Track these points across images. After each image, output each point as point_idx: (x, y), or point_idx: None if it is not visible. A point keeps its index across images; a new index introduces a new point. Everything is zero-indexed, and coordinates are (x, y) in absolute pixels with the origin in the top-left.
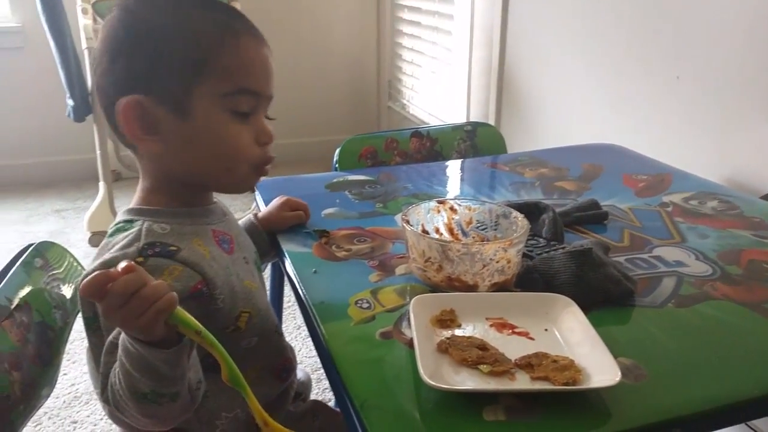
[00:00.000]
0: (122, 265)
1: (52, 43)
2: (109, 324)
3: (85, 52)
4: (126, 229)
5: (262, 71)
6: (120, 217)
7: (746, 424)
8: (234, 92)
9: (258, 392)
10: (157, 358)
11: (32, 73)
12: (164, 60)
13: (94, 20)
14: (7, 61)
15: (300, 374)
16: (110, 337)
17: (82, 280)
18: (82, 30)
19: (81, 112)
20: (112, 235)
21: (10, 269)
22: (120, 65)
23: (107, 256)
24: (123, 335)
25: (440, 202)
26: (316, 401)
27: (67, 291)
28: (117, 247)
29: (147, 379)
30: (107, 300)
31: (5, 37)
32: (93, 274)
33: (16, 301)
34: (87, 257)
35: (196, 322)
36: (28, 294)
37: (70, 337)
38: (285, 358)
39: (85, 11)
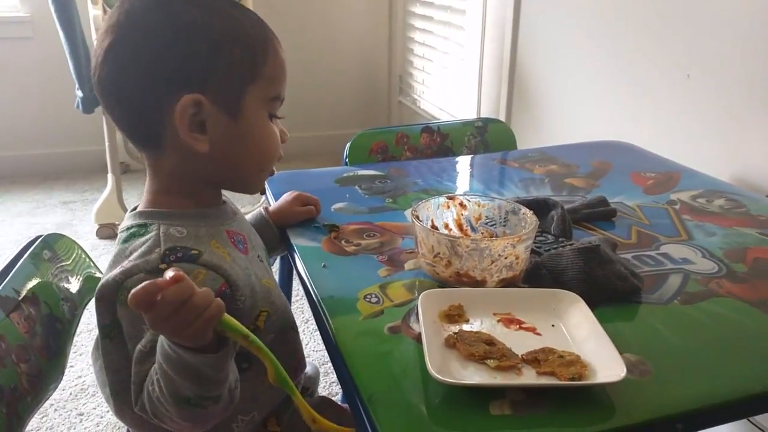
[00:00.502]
0: (169, 274)
1: (61, 34)
2: (161, 333)
3: (95, 43)
4: (141, 234)
5: (286, 76)
6: (130, 221)
7: (749, 420)
8: (274, 97)
9: (274, 391)
10: (203, 363)
11: (41, 64)
12: (223, 60)
13: (104, 11)
14: (15, 52)
15: (308, 368)
16: (139, 346)
17: (101, 288)
18: (91, 20)
19: (90, 103)
20: (126, 240)
21: (18, 261)
22: (164, 60)
23: (127, 264)
24: (161, 342)
25: (450, 198)
26: (323, 397)
27: (76, 283)
28: (136, 254)
29: (191, 384)
30: (157, 310)
31: (14, 28)
32: (142, 285)
33: (23, 293)
34: (95, 249)
35: (243, 326)
36: (36, 286)
37: (77, 330)
38: (300, 356)
39: (94, 1)
